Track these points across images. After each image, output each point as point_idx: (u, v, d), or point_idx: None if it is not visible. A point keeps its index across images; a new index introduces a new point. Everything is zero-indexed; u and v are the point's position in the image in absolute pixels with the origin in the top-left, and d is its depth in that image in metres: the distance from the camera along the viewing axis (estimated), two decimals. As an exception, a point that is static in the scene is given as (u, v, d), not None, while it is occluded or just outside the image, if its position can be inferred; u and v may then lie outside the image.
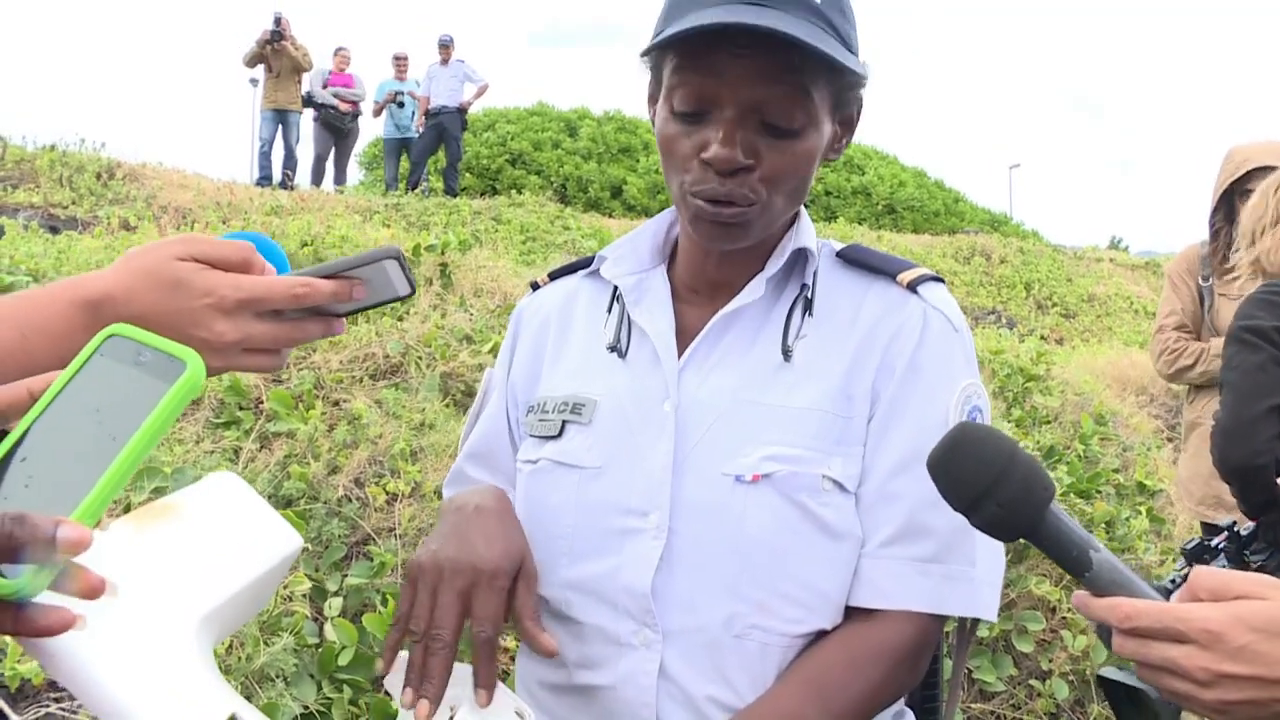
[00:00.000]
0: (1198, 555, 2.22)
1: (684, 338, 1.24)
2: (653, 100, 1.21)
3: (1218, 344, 3.25)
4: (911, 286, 1.22)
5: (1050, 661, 3.59)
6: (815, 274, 1.24)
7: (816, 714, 1.10)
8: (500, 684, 1.07)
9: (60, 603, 0.63)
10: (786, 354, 1.19)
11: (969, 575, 1.16)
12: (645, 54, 1.17)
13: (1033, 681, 3.56)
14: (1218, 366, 2.65)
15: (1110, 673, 1.13)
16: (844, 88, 1.16)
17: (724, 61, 1.09)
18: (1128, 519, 4.29)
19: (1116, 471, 5.00)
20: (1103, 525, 4.11)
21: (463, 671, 1.07)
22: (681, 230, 1.27)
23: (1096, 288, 14.35)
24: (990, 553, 1.18)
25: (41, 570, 0.60)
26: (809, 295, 1.22)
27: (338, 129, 13.11)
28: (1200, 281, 3.41)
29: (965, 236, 16.07)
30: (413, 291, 0.97)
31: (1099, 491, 4.55)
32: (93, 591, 0.63)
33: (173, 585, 0.85)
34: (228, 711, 0.80)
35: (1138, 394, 7.15)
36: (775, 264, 1.22)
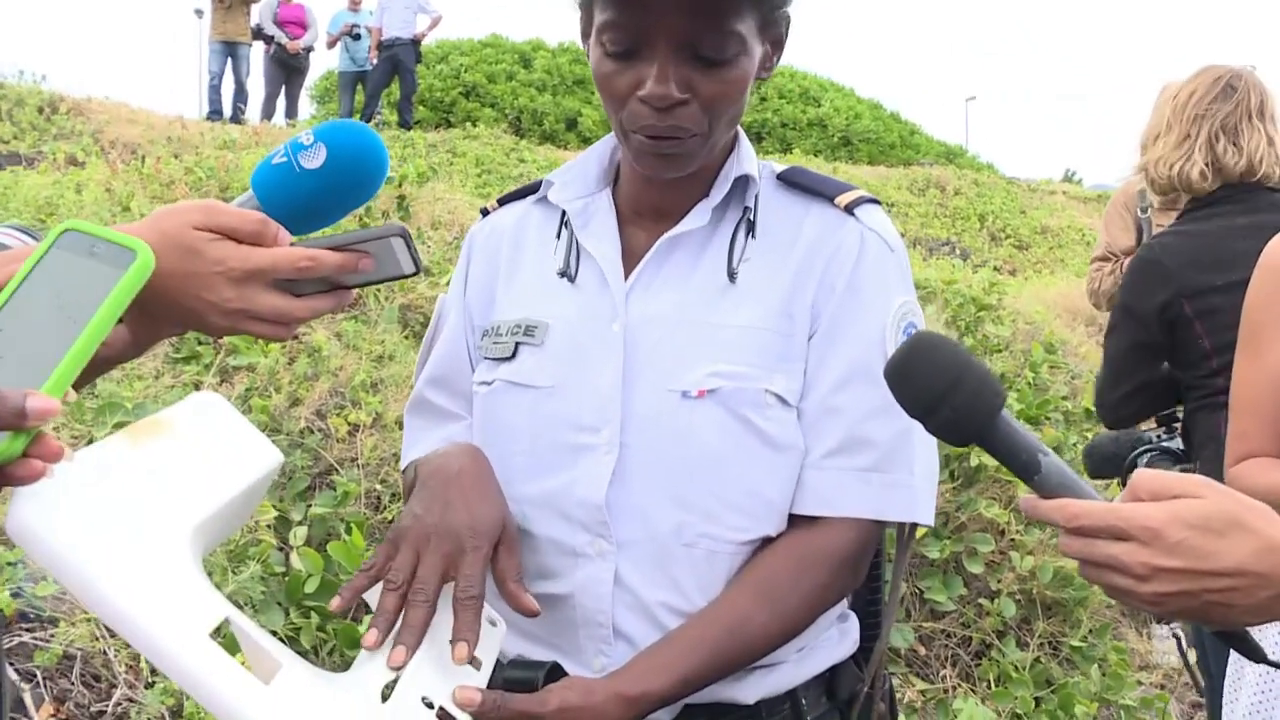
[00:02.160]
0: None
1: (630, 259, 1.27)
2: (585, 36, 1.23)
3: None
4: (849, 209, 1.26)
5: (999, 582, 3.71)
6: (757, 197, 1.27)
7: (765, 616, 1.16)
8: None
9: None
10: (731, 276, 1.24)
11: (908, 483, 1.21)
12: None
13: (982, 600, 3.69)
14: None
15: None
16: (771, 8, 1.19)
17: None
18: (1075, 444, 4.41)
19: (1065, 399, 5.12)
20: (1051, 450, 4.23)
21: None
22: (624, 158, 1.30)
23: (1049, 220, 14.50)
24: (927, 462, 1.24)
25: (16, 437, 0.67)
26: (751, 218, 1.26)
27: (289, 65, 12.86)
28: (1139, 214, 3.48)
29: (920, 169, 16.13)
30: (418, 270, 1.01)
31: (1048, 418, 4.68)
32: (55, 456, 0.72)
33: (167, 497, 0.89)
34: (220, 616, 0.84)
35: (1087, 324, 7.28)
36: (720, 192, 1.26)
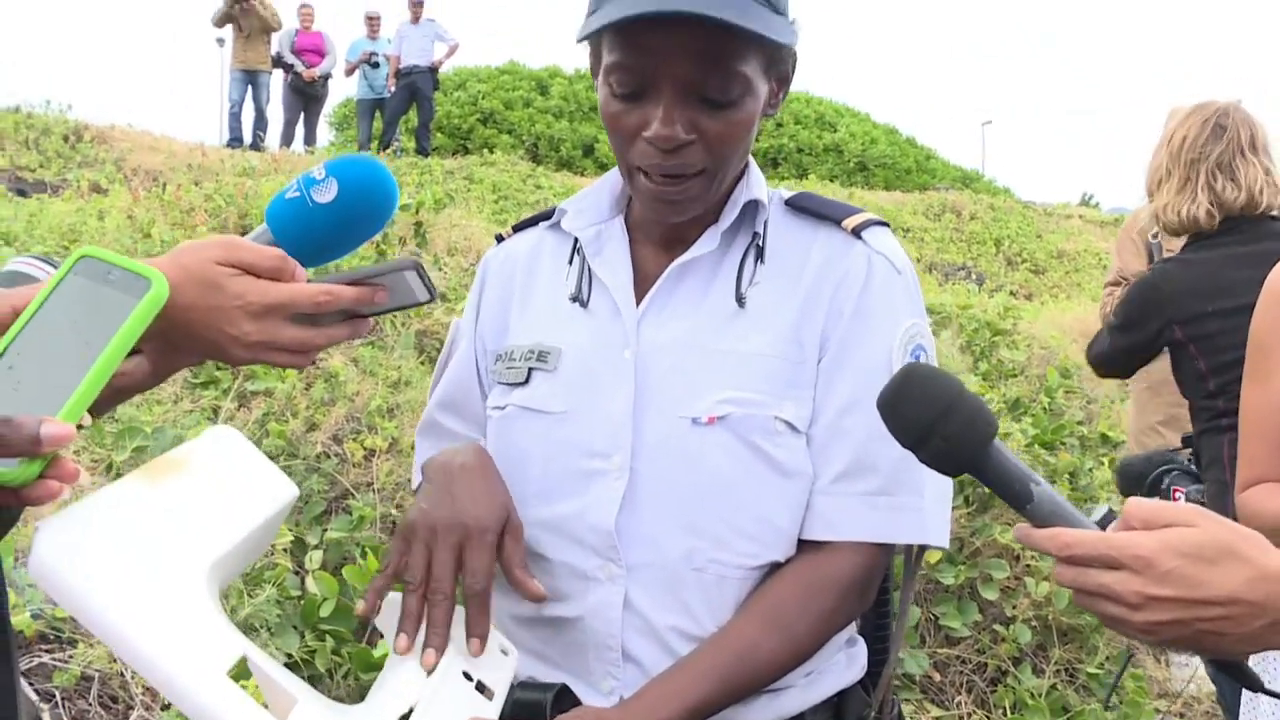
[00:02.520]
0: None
1: (642, 284, 1.29)
2: (594, 74, 1.25)
3: None
4: (856, 232, 1.28)
5: (1014, 608, 3.69)
6: (766, 223, 1.29)
7: (773, 642, 1.17)
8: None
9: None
10: (740, 301, 1.25)
11: (917, 505, 1.22)
12: (581, 40, 1.21)
13: (997, 627, 3.66)
14: None
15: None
16: (776, 48, 1.20)
17: (657, 43, 1.13)
18: (1090, 469, 4.39)
19: (1080, 424, 5.11)
20: (1066, 476, 4.22)
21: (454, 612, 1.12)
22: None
23: (1066, 244, 14.47)
24: (938, 484, 1.25)
25: (32, 462, 0.69)
26: (760, 244, 1.28)
27: (306, 92, 13.00)
28: (1150, 239, 3.50)
29: (936, 193, 16.13)
30: (432, 298, 1.05)
31: (1063, 443, 4.66)
32: (71, 477, 0.74)
33: (184, 535, 0.90)
34: (238, 653, 0.85)
35: (1103, 348, 7.25)
36: (729, 217, 1.27)
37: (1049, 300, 10.79)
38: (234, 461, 1.04)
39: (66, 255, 0.77)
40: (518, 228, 1.45)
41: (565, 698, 1.23)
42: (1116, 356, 2.75)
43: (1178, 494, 2.46)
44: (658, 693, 1.14)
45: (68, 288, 0.74)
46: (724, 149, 1.19)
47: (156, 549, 0.87)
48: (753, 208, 1.29)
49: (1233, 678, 0.96)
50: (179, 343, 0.97)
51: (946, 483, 1.26)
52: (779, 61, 1.23)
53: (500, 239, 1.46)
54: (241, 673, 0.88)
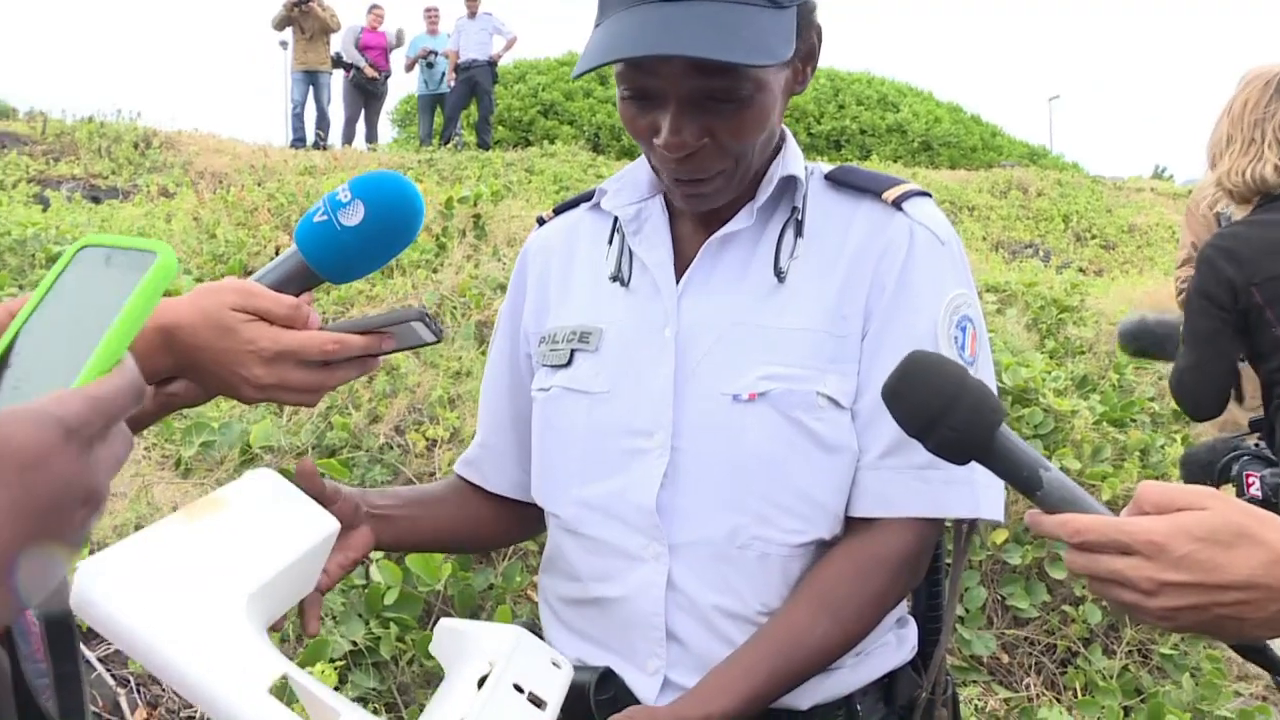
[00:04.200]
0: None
1: (681, 261, 1.29)
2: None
3: None
4: (897, 203, 1.26)
5: (1083, 587, 3.62)
6: (805, 197, 1.27)
7: (825, 626, 1.16)
8: (536, 639, 1.13)
9: None
10: (780, 275, 1.24)
11: (967, 478, 1.19)
12: (576, 77, 1.21)
13: (1066, 607, 3.60)
14: None
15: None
16: (789, 32, 1.15)
17: (651, 63, 1.12)
18: (1162, 446, 4.29)
19: (1152, 400, 5.00)
20: (1137, 453, 4.13)
21: (504, 630, 1.12)
22: None
23: (1137, 218, 14.15)
24: None
25: None
26: (799, 217, 1.26)
27: (367, 90, 13.16)
28: (1219, 211, 3.41)
29: (1001, 170, 15.86)
30: (439, 339, 1.10)
31: (1133, 419, 4.56)
32: None
33: (221, 566, 0.93)
34: (279, 672, 0.86)
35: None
36: (764, 193, 1.26)
37: (1119, 276, 10.56)
38: (273, 498, 1.07)
39: None
40: (559, 209, 1.45)
41: (609, 680, 1.24)
42: (1203, 363, 2.51)
43: (1251, 480, 2.38)
44: (710, 686, 1.14)
45: (67, 279, 0.69)
46: (740, 145, 1.17)
47: (194, 579, 0.89)
48: (789, 183, 1.27)
49: (1255, 663, 0.94)
50: (197, 379, 1.03)
51: None
52: (801, 39, 1.19)
53: (541, 221, 1.46)
54: (290, 696, 0.90)
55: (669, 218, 1.31)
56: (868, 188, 1.28)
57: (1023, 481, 0.94)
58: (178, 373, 1.03)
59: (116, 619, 0.82)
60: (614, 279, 1.31)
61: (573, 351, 1.30)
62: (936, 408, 0.95)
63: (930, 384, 0.96)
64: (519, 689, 1.05)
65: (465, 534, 1.45)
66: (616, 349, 1.27)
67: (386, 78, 13.36)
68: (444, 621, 1.14)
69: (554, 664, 1.12)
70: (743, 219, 1.26)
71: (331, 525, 1.09)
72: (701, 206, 1.23)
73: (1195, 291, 2.51)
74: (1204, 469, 2.56)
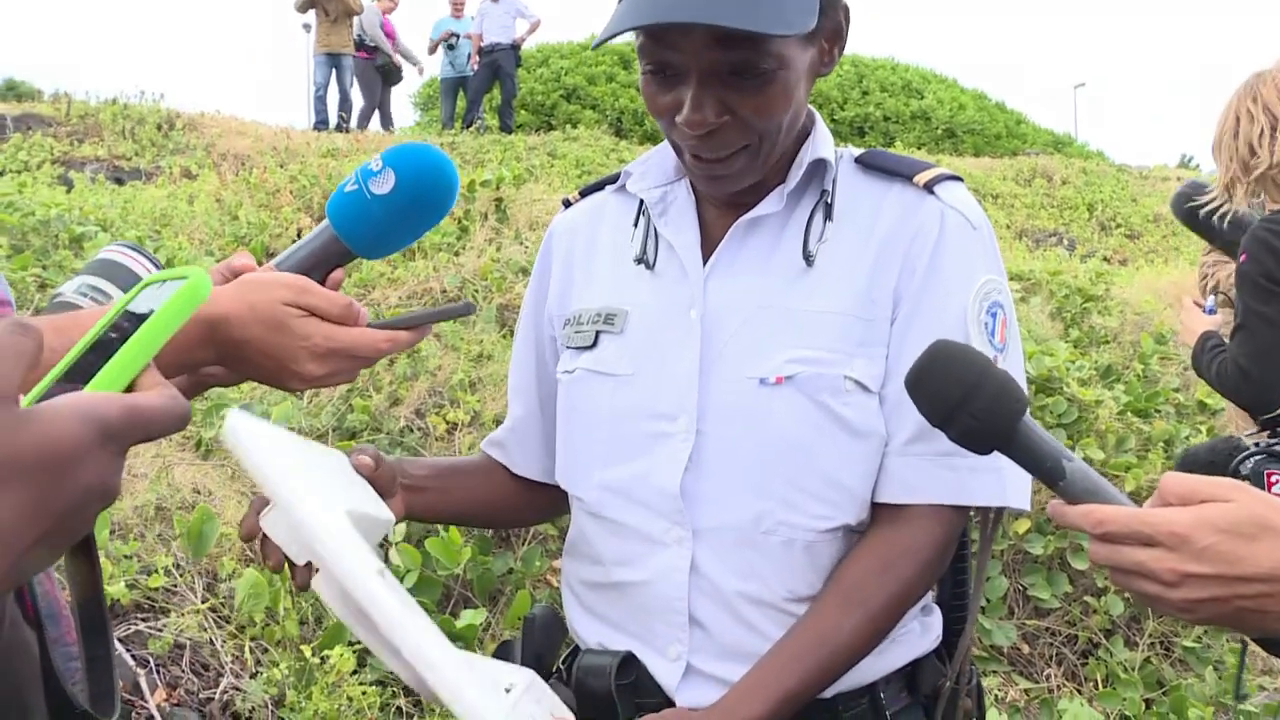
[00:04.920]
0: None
1: (708, 244, 1.27)
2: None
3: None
4: (928, 187, 1.24)
5: (1105, 578, 3.60)
6: (834, 181, 1.26)
7: (855, 622, 1.15)
8: (548, 687, 1.11)
9: None
10: (808, 258, 1.22)
11: (994, 466, 1.18)
12: (597, 45, 1.18)
13: (1088, 598, 3.58)
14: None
15: None
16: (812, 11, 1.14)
17: (672, 34, 1.10)
18: (1187, 437, 4.26)
19: (1177, 390, 4.95)
20: (1161, 444, 4.09)
21: (522, 675, 1.09)
22: None
23: (1162, 207, 13.99)
24: None
25: None
26: (829, 201, 1.24)
27: (387, 74, 13.17)
28: (1250, 203, 3.36)
29: (1026, 158, 15.74)
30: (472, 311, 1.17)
31: (1158, 410, 4.52)
32: None
33: (332, 478, 1.00)
34: (379, 566, 0.88)
35: (1202, 313, 7.01)
36: (794, 177, 1.24)
37: (1144, 265, 10.47)
38: (353, 473, 1.13)
39: (158, 240, 0.74)
40: (584, 192, 1.44)
41: (629, 665, 1.23)
42: (1270, 348, 2.39)
43: (1275, 478, 2.33)
44: (744, 690, 1.13)
45: (117, 324, 0.69)
46: (763, 123, 1.15)
47: (318, 468, 0.95)
48: (819, 166, 1.25)
49: (1278, 656, 0.93)
50: (243, 370, 1.04)
51: None
52: (826, 17, 1.17)
53: (567, 204, 1.45)
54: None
55: (695, 201, 1.30)
56: (899, 171, 1.26)
57: (1045, 472, 0.93)
58: (219, 362, 1.03)
59: (260, 453, 0.86)
60: (639, 261, 1.29)
61: (597, 333, 1.29)
62: (958, 396, 0.94)
63: (952, 373, 0.96)
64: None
65: (491, 511, 1.46)
66: (641, 331, 1.26)
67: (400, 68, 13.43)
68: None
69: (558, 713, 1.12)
70: (772, 203, 1.24)
71: (389, 516, 1.10)
72: (723, 189, 1.22)
73: (1252, 275, 2.44)
74: (1205, 470, 2.50)
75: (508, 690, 1.02)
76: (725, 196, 1.25)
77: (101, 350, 0.66)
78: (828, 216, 1.24)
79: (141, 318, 0.68)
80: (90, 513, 0.56)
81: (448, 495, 1.35)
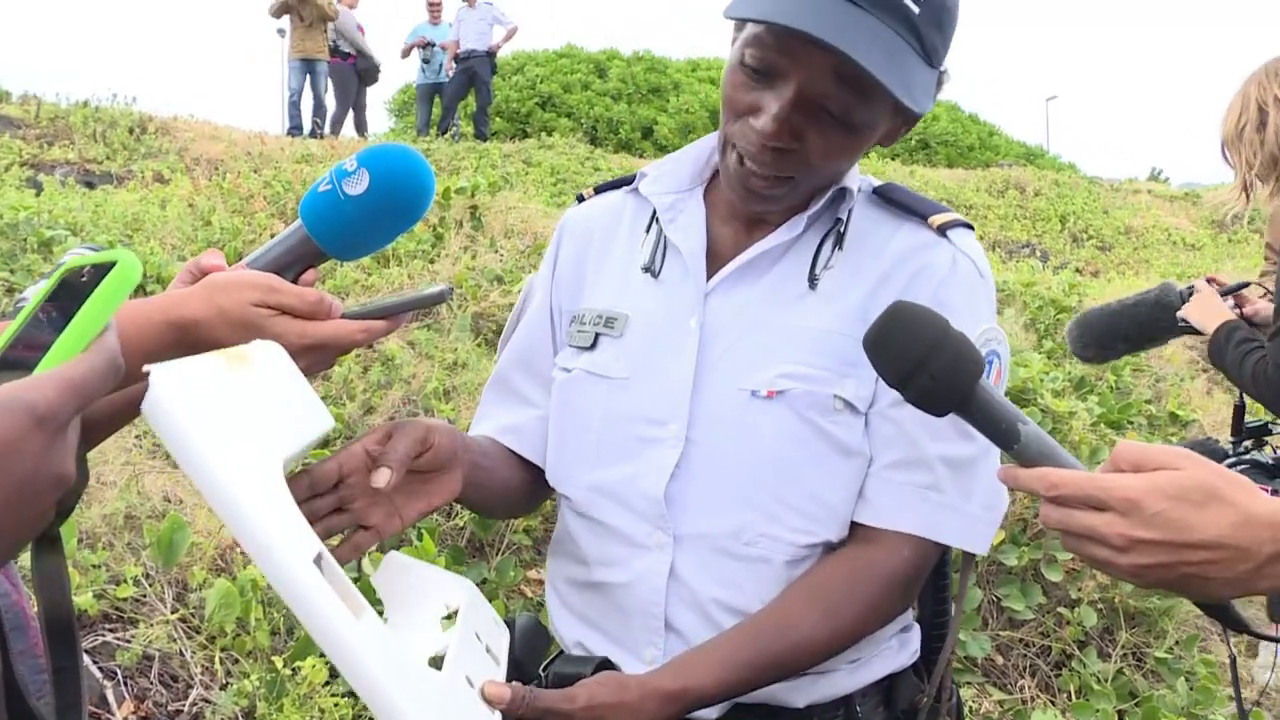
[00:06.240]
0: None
1: (716, 260, 1.27)
2: (733, 43, 1.20)
3: None
4: (942, 230, 1.25)
5: (1079, 590, 3.62)
6: (850, 211, 1.26)
7: (813, 618, 1.16)
8: (481, 595, 1.12)
9: None
10: (812, 283, 1.23)
11: (963, 509, 1.20)
12: (729, 15, 1.16)
13: (1061, 609, 3.60)
14: None
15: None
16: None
17: (800, 45, 1.09)
18: (1159, 449, 4.28)
19: (1149, 402, 4.99)
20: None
21: (456, 580, 1.12)
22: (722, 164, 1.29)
23: (1134, 220, 14.16)
24: (988, 493, 1.21)
25: None
26: (841, 230, 1.25)
27: (366, 75, 13.11)
28: None
29: (999, 170, 15.86)
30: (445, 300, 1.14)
31: (1130, 422, 4.56)
32: None
33: (265, 424, 0.89)
34: (318, 549, 0.83)
35: (1173, 325, 7.08)
36: (816, 204, 1.25)
37: (1115, 277, 10.56)
38: (289, 376, 1.01)
39: (130, 244, 0.72)
40: (600, 189, 1.44)
41: (605, 669, 1.22)
42: None
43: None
44: (690, 660, 1.14)
45: (45, 308, 0.68)
46: (822, 165, 1.16)
47: (249, 424, 0.86)
48: (840, 194, 1.26)
49: (1220, 621, 0.96)
50: None
51: (998, 494, 1.23)
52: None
53: (581, 199, 1.45)
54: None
55: (706, 212, 1.30)
56: (914, 209, 1.27)
57: (1001, 435, 0.94)
58: None
59: (184, 432, 0.77)
60: (646, 270, 1.30)
61: (597, 335, 1.29)
62: (917, 356, 0.94)
63: (913, 332, 0.96)
64: (478, 638, 1.06)
65: (512, 500, 1.39)
66: (641, 336, 1.27)
67: (375, 69, 13.35)
68: (393, 554, 1.12)
69: (495, 622, 1.13)
70: (791, 228, 1.25)
71: (328, 422, 1.04)
72: (749, 204, 1.22)
73: None
74: None
75: (448, 617, 1.01)
76: (745, 210, 1.25)
77: (35, 328, 0.66)
78: (838, 245, 1.24)
79: (73, 297, 0.66)
80: (44, 501, 0.55)
81: (492, 477, 1.28)
